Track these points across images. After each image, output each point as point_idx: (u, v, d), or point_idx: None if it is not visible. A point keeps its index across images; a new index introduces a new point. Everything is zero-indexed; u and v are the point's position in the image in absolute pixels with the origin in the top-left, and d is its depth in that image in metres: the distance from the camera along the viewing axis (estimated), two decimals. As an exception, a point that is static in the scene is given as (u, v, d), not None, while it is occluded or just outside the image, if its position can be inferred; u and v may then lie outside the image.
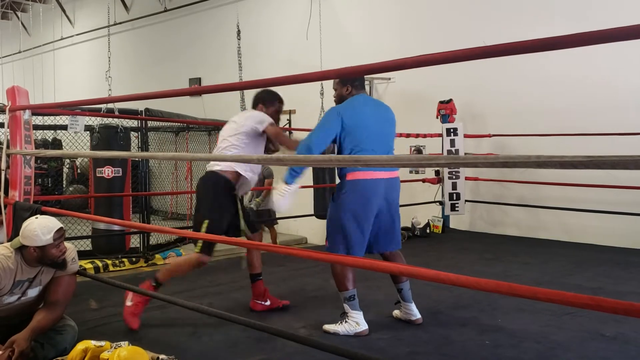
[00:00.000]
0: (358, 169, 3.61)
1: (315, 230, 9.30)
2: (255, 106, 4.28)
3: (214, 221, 3.86)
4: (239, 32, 7.26)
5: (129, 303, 3.84)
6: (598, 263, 5.77)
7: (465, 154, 7.41)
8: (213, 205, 3.94)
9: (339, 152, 3.72)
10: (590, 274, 5.35)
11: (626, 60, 6.38)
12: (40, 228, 3.09)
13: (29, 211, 3.67)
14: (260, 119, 4.05)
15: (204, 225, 3.83)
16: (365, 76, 8.34)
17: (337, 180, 3.89)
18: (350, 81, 3.84)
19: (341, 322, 3.72)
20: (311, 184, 7.18)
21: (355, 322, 3.67)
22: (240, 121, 4.08)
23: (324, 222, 8.26)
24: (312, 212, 7.30)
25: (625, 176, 6.18)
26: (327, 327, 3.75)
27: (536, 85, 7.14)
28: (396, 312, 4.02)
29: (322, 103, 7.34)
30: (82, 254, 7.08)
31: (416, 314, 3.89)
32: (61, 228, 3.19)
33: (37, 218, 3.21)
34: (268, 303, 4.24)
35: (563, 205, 6.96)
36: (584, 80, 6.74)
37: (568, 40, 1.35)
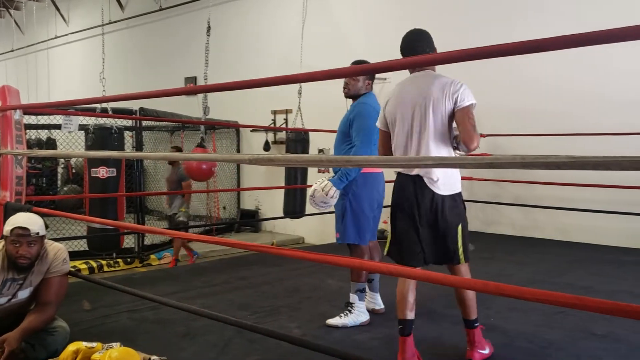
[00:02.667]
0: None
1: (311, 230, 9.31)
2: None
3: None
4: (209, 28, 7.24)
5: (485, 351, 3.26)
6: (591, 262, 5.79)
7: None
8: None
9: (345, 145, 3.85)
10: (583, 273, 5.37)
11: (617, 62, 6.40)
12: (12, 218, 3.11)
13: (20, 212, 3.66)
14: (465, 91, 3.08)
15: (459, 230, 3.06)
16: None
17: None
18: (370, 77, 3.96)
19: (346, 314, 3.85)
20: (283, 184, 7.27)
21: (361, 312, 3.86)
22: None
23: (320, 222, 8.27)
24: (305, 213, 7.32)
25: (619, 176, 6.19)
26: (331, 321, 3.84)
27: (530, 85, 7.15)
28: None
29: (299, 103, 7.36)
30: (77, 254, 7.11)
31: (380, 304, 4.14)
32: (24, 228, 3.07)
33: (26, 212, 3.22)
34: None
35: (557, 205, 6.97)
36: (577, 81, 6.75)
37: (551, 43, 1.36)
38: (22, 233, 3.07)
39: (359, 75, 3.85)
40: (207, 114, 7.64)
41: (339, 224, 3.92)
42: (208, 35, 7.58)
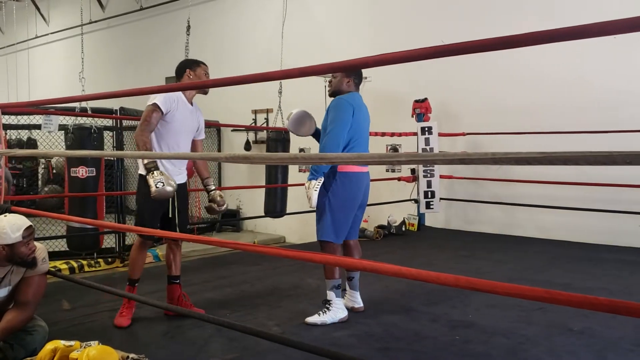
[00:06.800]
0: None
1: (293, 230, 9.32)
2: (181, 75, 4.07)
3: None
4: (188, 27, 7.25)
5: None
6: (570, 259, 5.86)
7: (439, 152, 7.47)
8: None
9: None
10: (562, 270, 5.43)
11: (598, 59, 6.47)
12: (9, 226, 3.07)
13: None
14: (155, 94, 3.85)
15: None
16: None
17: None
18: (353, 75, 3.97)
19: (324, 312, 3.87)
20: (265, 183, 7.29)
21: (339, 309, 3.88)
22: None
23: (301, 222, 8.28)
24: (286, 212, 7.32)
25: (598, 174, 6.27)
26: (309, 319, 3.87)
27: (511, 84, 7.21)
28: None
29: (279, 102, 7.37)
30: (57, 254, 7.06)
31: (359, 303, 4.13)
32: (30, 226, 3.16)
33: (5, 216, 3.18)
34: None
35: (537, 203, 7.03)
36: (557, 78, 6.82)
37: (516, 40, 1.38)
38: (31, 232, 3.18)
39: (334, 72, 3.88)
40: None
41: (318, 221, 3.96)
42: (188, 35, 7.57)
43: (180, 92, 3.91)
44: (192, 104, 4.02)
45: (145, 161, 3.68)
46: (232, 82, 2.24)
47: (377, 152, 7.00)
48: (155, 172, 3.60)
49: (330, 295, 3.89)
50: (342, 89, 3.96)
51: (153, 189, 3.56)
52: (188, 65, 4.06)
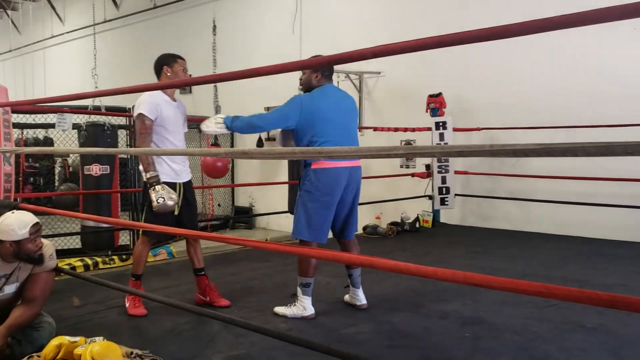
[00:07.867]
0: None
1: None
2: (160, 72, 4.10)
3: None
4: (214, 27, 7.26)
5: (127, 304, 4.03)
6: (586, 255, 5.78)
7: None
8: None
9: (297, 143, 3.87)
10: (578, 266, 5.36)
11: (615, 53, 6.37)
12: (17, 222, 3.09)
13: (8, 208, 3.64)
14: (137, 104, 3.99)
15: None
16: (355, 70, 8.36)
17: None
18: (321, 69, 3.90)
19: (290, 306, 3.93)
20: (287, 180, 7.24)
21: (303, 307, 3.89)
22: None
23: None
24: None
25: (616, 168, 6.17)
26: (277, 309, 3.97)
27: (526, 78, 7.12)
28: (346, 297, 4.21)
29: None
30: (71, 252, 7.12)
31: (362, 300, 4.09)
32: (37, 223, 3.17)
33: (12, 213, 3.20)
34: (207, 299, 4.24)
35: (553, 199, 6.93)
36: (575, 71, 6.72)
37: (511, 30, 1.35)
38: (38, 228, 3.18)
39: (319, 67, 3.85)
40: (219, 112, 7.63)
41: (294, 218, 3.95)
42: (214, 35, 7.57)
43: (161, 93, 3.99)
44: (174, 100, 4.10)
45: (148, 176, 3.82)
46: (221, 78, 2.22)
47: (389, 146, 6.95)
48: (157, 186, 3.79)
49: (299, 291, 3.91)
50: (313, 84, 3.90)
51: (155, 203, 3.74)
52: (164, 61, 4.08)
